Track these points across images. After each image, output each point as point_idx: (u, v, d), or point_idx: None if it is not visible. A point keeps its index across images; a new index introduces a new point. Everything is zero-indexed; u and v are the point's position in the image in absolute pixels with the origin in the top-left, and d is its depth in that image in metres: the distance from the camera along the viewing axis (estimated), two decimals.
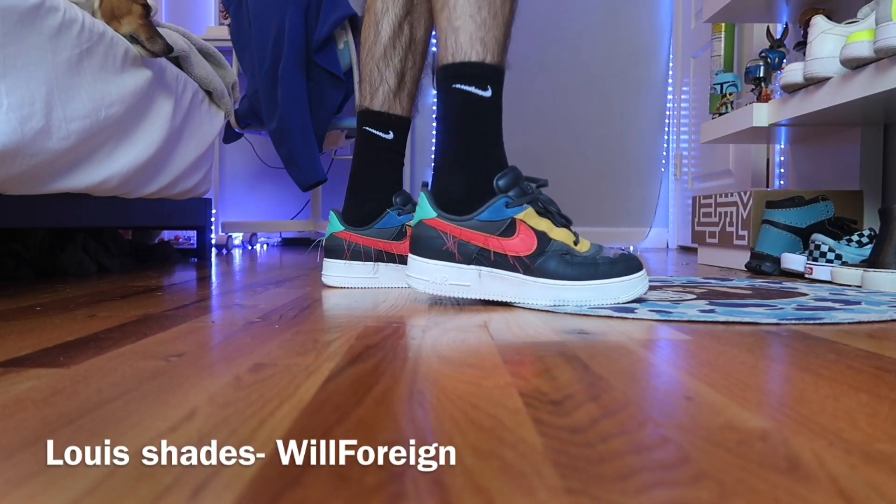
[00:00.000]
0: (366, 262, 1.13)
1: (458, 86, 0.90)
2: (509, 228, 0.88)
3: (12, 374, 0.50)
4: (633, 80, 3.31)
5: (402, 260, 1.05)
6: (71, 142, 1.18)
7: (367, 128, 1.14)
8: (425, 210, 0.90)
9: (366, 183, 1.15)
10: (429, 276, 0.90)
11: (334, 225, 1.15)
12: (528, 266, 0.88)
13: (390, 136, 1.13)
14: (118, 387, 0.47)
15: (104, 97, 1.28)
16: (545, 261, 0.88)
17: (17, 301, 0.98)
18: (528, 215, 0.89)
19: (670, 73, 3.27)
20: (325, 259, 1.16)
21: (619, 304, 0.88)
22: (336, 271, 1.15)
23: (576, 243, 0.90)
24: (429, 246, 0.89)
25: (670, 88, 3.28)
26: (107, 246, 1.67)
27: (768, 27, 1.93)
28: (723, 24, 2.20)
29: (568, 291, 0.88)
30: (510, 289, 0.89)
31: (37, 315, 0.83)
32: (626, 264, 0.90)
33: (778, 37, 1.84)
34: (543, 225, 0.90)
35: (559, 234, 0.90)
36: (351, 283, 1.14)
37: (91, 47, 1.24)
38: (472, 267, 0.89)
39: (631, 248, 3.19)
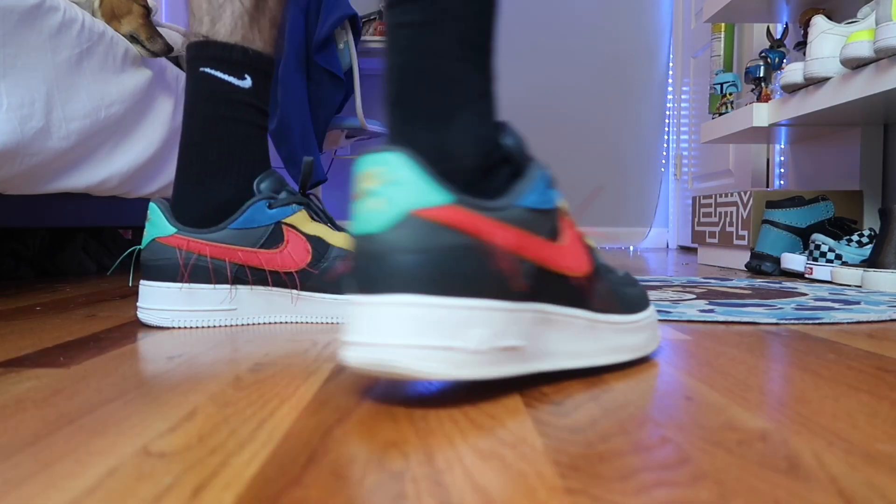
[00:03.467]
0: (217, 286, 0.73)
1: (206, 69, 0.73)
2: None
3: (12, 374, 0.51)
4: (633, 80, 3.31)
5: (276, 280, 0.75)
6: (71, 141, 1.18)
7: (208, 69, 0.73)
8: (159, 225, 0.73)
9: (211, 159, 0.74)
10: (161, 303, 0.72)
11: (159, 225, 0.73)
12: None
13: (247, 82, 0.74)
14: (118, 387, 0.47)
15: (104, 97, 1.28)
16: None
17: (17, 301, 0.98)
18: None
19: (670, 73, 3.27)
20: (142, 282, 0.74)
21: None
22: (164, 302, 0.72)
23: None
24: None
25: (670, 88, 3.28)
26: (107, 246, 1.67)
27: (768, 27, 1.93)
28: (723, 24, 2.20)
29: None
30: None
31: (37, 315, 0.83)
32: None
33: (778, 37, 1.85)
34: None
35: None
36: (192, 320, 0.72)
37: (91, 47, 1.25)
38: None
39: (631, 247, 3.19)
